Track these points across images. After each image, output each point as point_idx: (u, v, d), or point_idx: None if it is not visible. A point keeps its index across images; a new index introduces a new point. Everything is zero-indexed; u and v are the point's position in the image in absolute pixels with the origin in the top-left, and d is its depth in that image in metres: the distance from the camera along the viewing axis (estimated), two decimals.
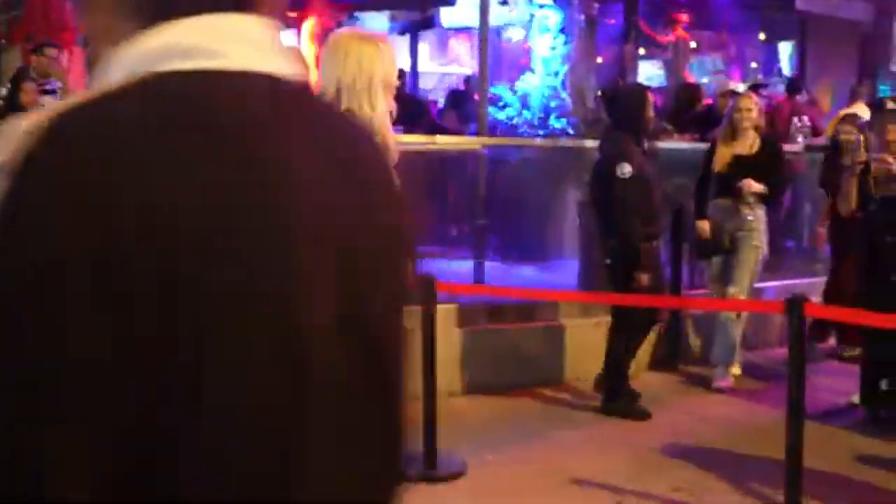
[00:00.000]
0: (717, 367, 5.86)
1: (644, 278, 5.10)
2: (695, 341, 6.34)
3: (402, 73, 10.58)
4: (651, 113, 5.48)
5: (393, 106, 2.75)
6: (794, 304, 3.63)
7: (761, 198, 5.67)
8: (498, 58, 12.13)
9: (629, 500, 4.09)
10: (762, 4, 11.43)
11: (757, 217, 5.70)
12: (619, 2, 10.50)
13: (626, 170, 5.11)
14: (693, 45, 14.15)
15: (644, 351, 5.74)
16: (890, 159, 4.98)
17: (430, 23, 11.20)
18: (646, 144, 5.46)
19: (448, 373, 5.57)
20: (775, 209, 6.22)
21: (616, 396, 5.29)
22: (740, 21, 11.88)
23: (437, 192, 7.46)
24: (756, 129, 5.77)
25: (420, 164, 6.75)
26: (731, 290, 5.67)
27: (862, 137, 5.97)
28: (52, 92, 7.32)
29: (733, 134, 5.75)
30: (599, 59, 11.77)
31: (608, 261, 5.34)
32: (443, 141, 6.61)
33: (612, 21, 11.24)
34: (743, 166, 5.65)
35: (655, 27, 11.53)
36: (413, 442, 4.20)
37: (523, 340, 5.90)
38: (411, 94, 10.54)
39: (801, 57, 11.84)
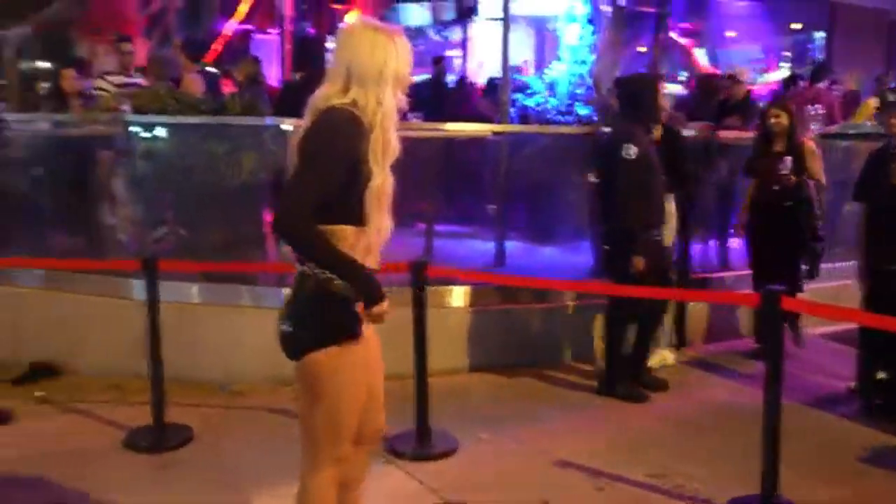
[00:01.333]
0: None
1: (640, 262, 4.75)
2: (700, 326, 6.00)
3: (441, 59, 10.31)
4: (662, 101, 5.10)
5: (403, 102, 2.46)
6: (770, 298, 3.29)
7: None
8: (542, 47, 11.81)
9: (606, 483, 3.82)
10: None
11: None
12: None
13: (631, 150, 4.76)
14: (732, 34, 13.58)
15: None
16: None
17: (471, 12, 10.86)
18: (655, 133, 5.06)
19: (457, 351, 5.39)
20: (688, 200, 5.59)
21: (614, 380, 5.00)
22: (773, 10, 11.28)
23: (462, 177, 7.19)
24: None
25: (446, 149, 6.54)
26: None
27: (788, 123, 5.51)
28: (134, 85, 7.15)
29: None
30: (643, 49, 11.35)
31: (606, 246, 5.02)
32: (452, 128, 6.31)
33: (652, 10, 10.77)
34: None
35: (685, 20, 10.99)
36: (406, 419, 4.05)
37: (532, 321, 5.63)
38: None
39: (829, 46, 11.16)
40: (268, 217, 5.36)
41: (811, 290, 5.66)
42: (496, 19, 10.40)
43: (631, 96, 5.02)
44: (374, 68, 2.36)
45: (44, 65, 9.87)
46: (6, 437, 4.44)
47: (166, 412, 4.43)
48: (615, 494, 3.73)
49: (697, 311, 6.03)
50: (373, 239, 2.41)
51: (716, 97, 7.44)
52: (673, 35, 10.23)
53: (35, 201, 6.14)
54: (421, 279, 4.09)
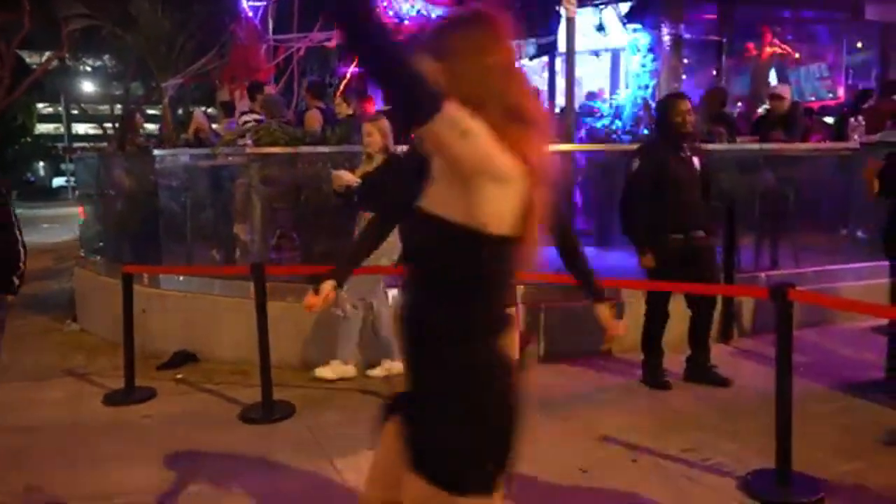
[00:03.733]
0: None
1: (644, 261, 4.73)
2: (747, 319, 5.82)
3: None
4: (677, 119, 4.71)
5: None
6: (779, 291, 3.22)
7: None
8: (616, 75, 11.64)
9: (640, 456, 3.80)
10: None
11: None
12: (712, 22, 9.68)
13: (633, 165, 4.77)
14: (797, 55, 13.03)
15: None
16: None
17: (553, 47, 10.76)
18: (686, 148, 4.78)
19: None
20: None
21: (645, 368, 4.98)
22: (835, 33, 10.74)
23: None
24: (384, 151, 4.94)
25: None
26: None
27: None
28: (262, 121, 7.63)
29: (367, 156, 5.00)
30: (716, 74, 11.05)
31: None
32: None
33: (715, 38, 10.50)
34: (365, 183, 4.92)
35: (746, 42, 10.60)
36: None
37: (585, 316, 5.58)
38: None
39: (884, 64, 10.54)
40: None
41: None
42: (562, 54, 10.40)
43: (656, 115, 4.95)
44: None
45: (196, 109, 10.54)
46: (150, 410, 4.82)
47: (276, 392, 4.68)
48: (646, 465, 3.71)
49: (745, 306, 5.87)
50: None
51: (719, 108, 7.13)
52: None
53: (182, 220, 6.58)
54: None
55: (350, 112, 7.38)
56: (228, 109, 9.11)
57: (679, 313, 4.99)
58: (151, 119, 21.31)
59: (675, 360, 5.02)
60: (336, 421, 4.48)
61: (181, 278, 6.05)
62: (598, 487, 3.49)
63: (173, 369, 5.62)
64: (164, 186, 6.74)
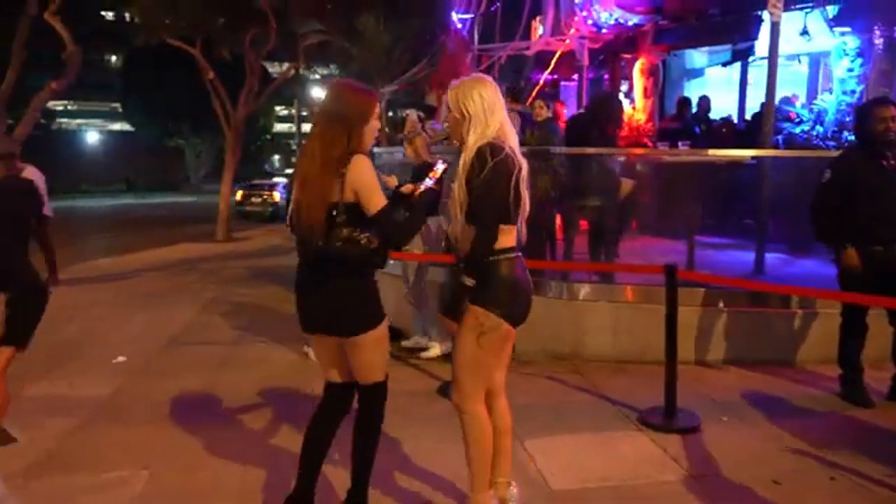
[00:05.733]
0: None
1: (847, 258, 4.16)
2: None
3: (706, 99, 9.61)
4: (879, 126, 4.15)
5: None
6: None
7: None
8: (815, 80, 10.55)
9: (840, 475, 3.37)
10: None
11: None
12: None
13: (825, 176, 4.26)
14: None
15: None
16: None
17: (748, 53, 9.96)
18: (890, 156, 4.17)
19: (710, 345, 5.08)
20: None
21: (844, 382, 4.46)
22: None
23: (727, 195, 6.70)
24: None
25: (714, 172, 6.14)
26: None
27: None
28: None
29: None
30: None
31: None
32: (713, 153, 5.90)
33: None
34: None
35: None
36: (657, 397, 3.91)
37: (779, 324, 5.11)
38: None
39: None
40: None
41: None
42: (764, 58, 9.56)
43: (856, 122, 4.37)
44: None
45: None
46: None
47: None
48: (847, 485, 3.28)
49: None
50: None
51: None
52: None
53: None
54: (672, 280, 3.94)
55: (549, 115, 7.28)
56: (430, 112, 9.34)
57: (881, 327, 4.41)
58: None
59: (878, 377, 4.45)
60: (526, 403, 4.40)
61: (393, 262, 6.22)
62: (794, 501, 3.15)
63: None
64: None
